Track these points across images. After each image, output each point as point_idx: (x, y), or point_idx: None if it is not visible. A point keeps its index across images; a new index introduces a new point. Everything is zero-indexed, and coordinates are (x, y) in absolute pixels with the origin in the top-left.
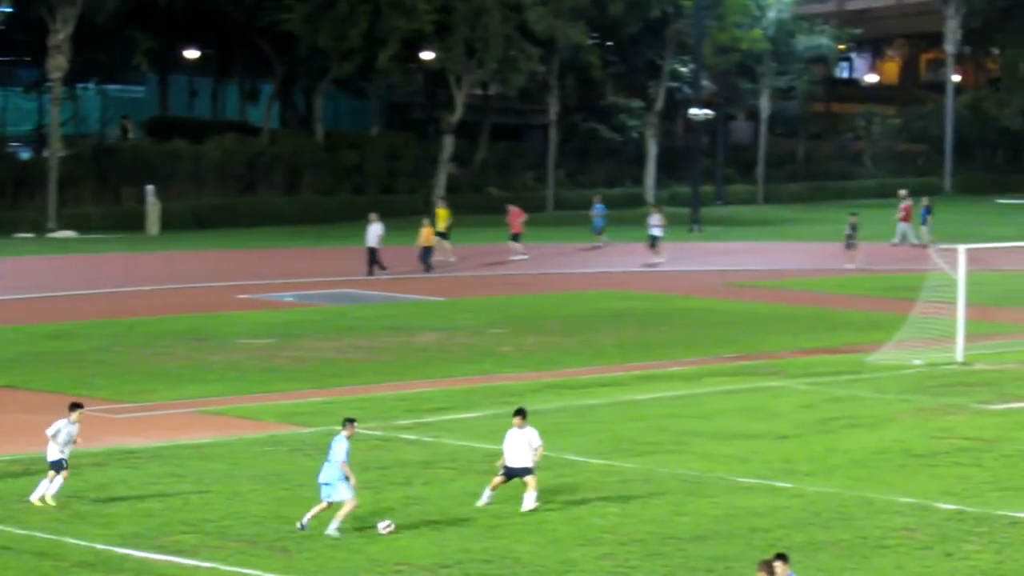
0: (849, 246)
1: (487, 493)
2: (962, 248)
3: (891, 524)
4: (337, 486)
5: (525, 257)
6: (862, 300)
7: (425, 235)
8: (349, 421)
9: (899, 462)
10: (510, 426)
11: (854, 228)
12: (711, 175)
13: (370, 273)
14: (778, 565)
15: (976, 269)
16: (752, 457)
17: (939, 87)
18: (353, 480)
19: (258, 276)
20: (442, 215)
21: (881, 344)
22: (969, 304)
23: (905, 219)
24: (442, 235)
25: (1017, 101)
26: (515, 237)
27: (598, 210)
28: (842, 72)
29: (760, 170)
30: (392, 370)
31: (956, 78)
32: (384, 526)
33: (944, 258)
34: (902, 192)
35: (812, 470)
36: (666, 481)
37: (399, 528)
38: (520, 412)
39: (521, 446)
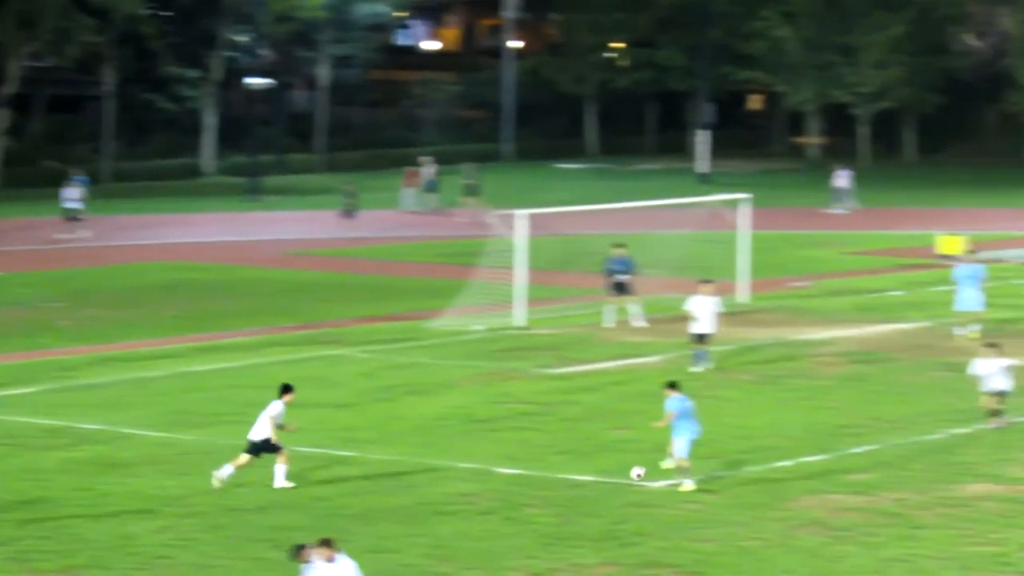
0: (348, 214)
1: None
2: (522, 213)
3: (453, 490)
4: None
5: None
6: (422, 267)
7: None
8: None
9: (460, 428)
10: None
11: (351, 195)
12: (271, 144)
13: None
14: (321, 551)
15: (537, 234)
16: (314, 426)
17: (499, 53)
18: None
19: None
20: None
21: (441, 310)
22: (530, 269)
23: (410, 185)
24: None
25: (575, 67)
26: None
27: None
28: (402, 39)
29: (320, 138)
30: None
31: (516, 44)
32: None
33: (504, 223)
34: (424, 159)
35: (373, 438)
36: (227, 453)
37: None
38: (286, 388)
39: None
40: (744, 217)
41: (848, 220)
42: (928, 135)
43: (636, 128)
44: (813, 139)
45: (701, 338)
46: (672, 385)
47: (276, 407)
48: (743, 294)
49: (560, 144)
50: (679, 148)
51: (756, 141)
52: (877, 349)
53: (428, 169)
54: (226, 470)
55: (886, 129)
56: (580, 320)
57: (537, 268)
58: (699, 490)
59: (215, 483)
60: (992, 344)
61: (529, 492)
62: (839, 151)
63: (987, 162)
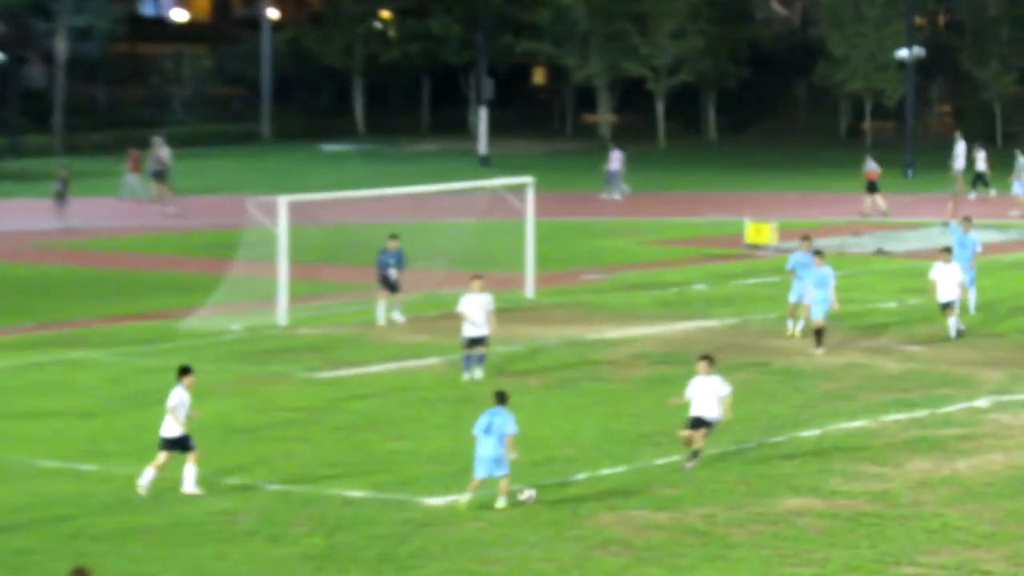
0: (59, 202)
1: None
2: (283, 200)
3: (211, 508)
4: None
5: None
6: (173, 260)
7: None
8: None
9: (219, 438)
10: None
11: (64, 183)
12: (3, 125)
13: None
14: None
15: (299, 223)
16: (54, 437)
17: (256, 24)
18: None
19: None
20: None
21: (194, 308)
22: (292, 262)
23: (134, 170)
24: None
25: (340, 38)
26: None
27: None
28: (147, 9)
29: (58, 119)
30: None
31: (274, 14)
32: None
33: (263, 211)
34: (156, 139)
35: (121, 450)
36: None
37: None
38: (184, 370)
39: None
40: (528, 203)
41: (633, 206)
42: (732, 111)
43: (409, 105)
44: (605, 117)
45: (476, 342)
46: (499, 397)
47: (179, 396)
48: (529, 288)
49: (325, 123)
50: (457, 127)
51: (542, 119)
52: (680, 349)
53: (160, 152)
54: (147, 475)
55: (686, 105)
56: (349, 318)
57: (300, 261)
58: (483, 506)
59: (140, 491)
60: (706, 357)
61: (296, 510)
62: (634, 129)
63: (797, 140)
